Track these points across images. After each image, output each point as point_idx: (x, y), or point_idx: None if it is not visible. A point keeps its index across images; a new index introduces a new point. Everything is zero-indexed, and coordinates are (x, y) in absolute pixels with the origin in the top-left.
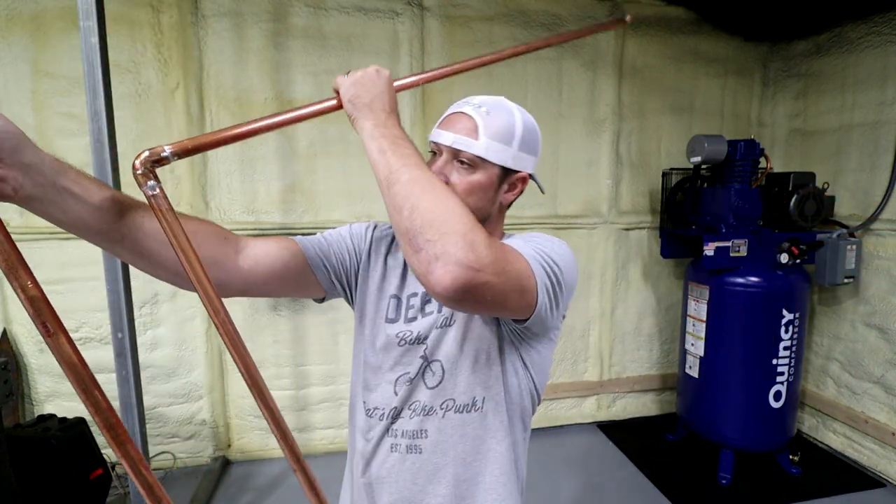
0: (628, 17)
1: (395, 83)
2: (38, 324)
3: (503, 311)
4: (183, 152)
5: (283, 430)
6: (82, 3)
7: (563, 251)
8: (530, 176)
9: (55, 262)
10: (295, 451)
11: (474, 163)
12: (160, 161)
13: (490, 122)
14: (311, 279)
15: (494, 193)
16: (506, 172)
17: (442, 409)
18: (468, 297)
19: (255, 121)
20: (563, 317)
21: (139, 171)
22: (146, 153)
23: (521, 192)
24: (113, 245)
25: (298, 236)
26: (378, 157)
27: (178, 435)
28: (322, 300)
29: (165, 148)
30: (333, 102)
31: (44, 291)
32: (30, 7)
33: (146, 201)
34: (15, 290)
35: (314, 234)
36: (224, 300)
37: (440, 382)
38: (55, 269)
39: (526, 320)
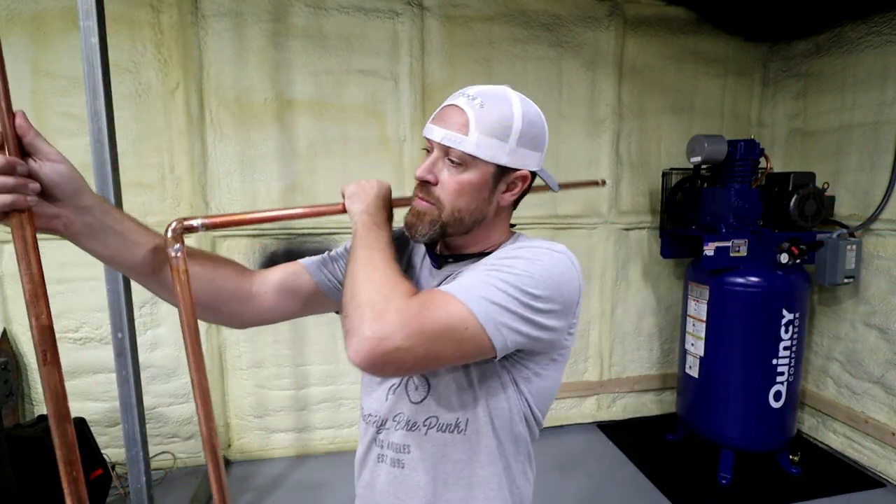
0: (602, 181)
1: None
2: (38, 350)
3: (442, 365)
4: (212, 226)
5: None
6: (82, 3)
7: (545, 272)
8: (535, 174)
9: (55, 262)
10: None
11: (465, 161)
12: (190, 230)
13: (483, 115)
14: (319, 296)
15: (489, 194)
16: (502, 171)
17: (425, 426)
18: (384, 365)
19: (274, 209)
20: (571, 334)
21: (170, 236)
22: (175, 223)
23: (524, 191)
24: (144, 277)
25: (306, 258)
26: (351, 239)
27: (178, 435)
28: (339, 312)
29: (197, 219)
30: (340, 205)
31: (52, 322)
32: (30, 7)
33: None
34: (29, 316)
35: (313, 234)
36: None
37: (424, 398)
38: (55, 269)
39: (494, 357)
